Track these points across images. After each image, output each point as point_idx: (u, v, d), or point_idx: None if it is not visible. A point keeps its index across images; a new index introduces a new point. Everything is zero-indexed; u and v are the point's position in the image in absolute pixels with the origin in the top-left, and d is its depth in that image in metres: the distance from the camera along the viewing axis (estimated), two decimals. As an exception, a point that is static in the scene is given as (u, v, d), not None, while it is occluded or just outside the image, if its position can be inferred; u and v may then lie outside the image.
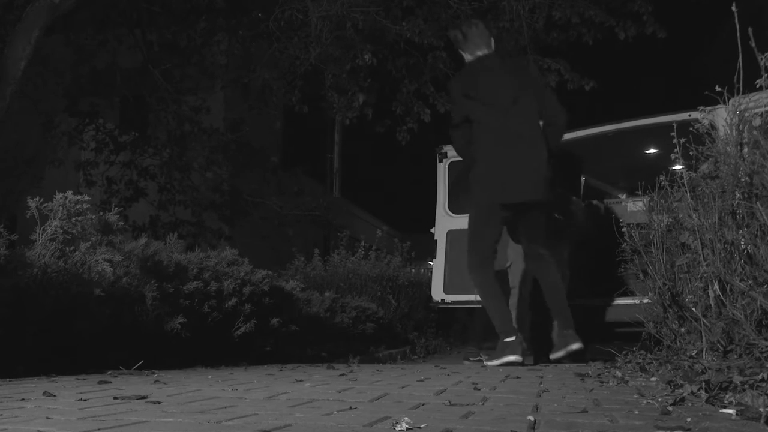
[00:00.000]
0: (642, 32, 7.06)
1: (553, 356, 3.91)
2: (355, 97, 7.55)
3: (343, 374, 2.88)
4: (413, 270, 9.52)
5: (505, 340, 3.73)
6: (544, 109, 3.96)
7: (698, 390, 1.78)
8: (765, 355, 1.94)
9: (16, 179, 7.57)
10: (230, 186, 8.75)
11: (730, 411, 1.55)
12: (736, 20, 2.56)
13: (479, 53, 4.06)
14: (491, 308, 3.86)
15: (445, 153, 5.71)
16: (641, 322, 2.99)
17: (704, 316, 2.39)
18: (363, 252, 8.36)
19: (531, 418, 1.50)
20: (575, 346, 3.78)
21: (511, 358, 3.67)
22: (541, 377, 2.65)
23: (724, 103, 2.56)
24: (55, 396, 1.95)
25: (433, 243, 5.63)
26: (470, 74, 4.12)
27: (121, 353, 3.12)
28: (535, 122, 3.93)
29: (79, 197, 3.29)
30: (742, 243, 2.34)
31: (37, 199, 3.22)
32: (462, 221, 4.42)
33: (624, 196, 6.04)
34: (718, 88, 2.54)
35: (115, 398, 1.89)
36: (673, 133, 2.77)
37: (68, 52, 7.69)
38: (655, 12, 6.98)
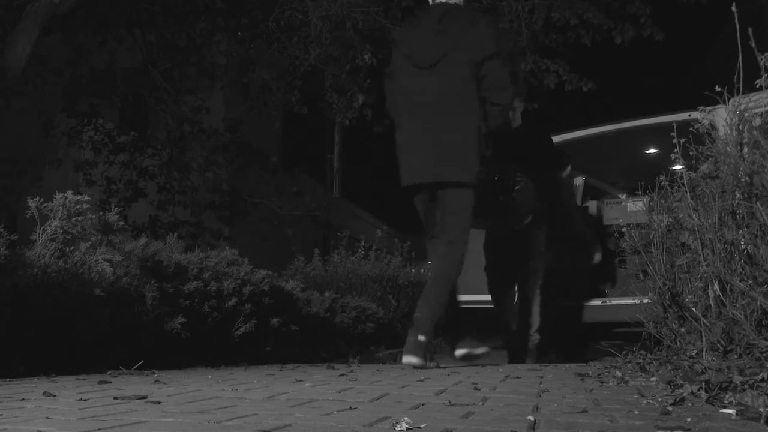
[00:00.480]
0: (640, 34, 7.07)
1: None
2: (355, 97, 7.55)
3: (343, 374, 2.88)
4: (413, 270, 9.51)
5: (410, 337, 3.27)
6: (484, 82, 3.31)
7: (698, 390, 1.78)
8: (765, 355, 1.94)
9: (16, 179, 7.56)
10: (230, 186, 8.74)
11: (730, 411, 1.55)
12: (736, 20, 2.57)
13: None
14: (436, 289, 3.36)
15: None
16: (641, 322, 2.99)
17: (704, 316, 2.39)
18: (363, 252, 8.36)
19: (531, 418, 1.50)
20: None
21: (411, 359, 3.21)
22: (541, 377, 2.65)
23: (724, 103, 2.56)
24: (55, 396, 1.95)
25: (433, 243, 5.62)
26: (411, 24, 3.61)
27: (121, 353, 3.12)
28: (462, 91, 3.31)
29: (79, 197, 3.29)
30: (742, 243, 2.34)
31: (37, 199, 3.21)
32: None
33: (624, 196, 6.04)
34: (718, 88, 2.54)
35: (115, 398, 1.89)
36: (673, 133, 2.77)
37: (67, 51, 7.68)
38: (654, 13, 6.99)
